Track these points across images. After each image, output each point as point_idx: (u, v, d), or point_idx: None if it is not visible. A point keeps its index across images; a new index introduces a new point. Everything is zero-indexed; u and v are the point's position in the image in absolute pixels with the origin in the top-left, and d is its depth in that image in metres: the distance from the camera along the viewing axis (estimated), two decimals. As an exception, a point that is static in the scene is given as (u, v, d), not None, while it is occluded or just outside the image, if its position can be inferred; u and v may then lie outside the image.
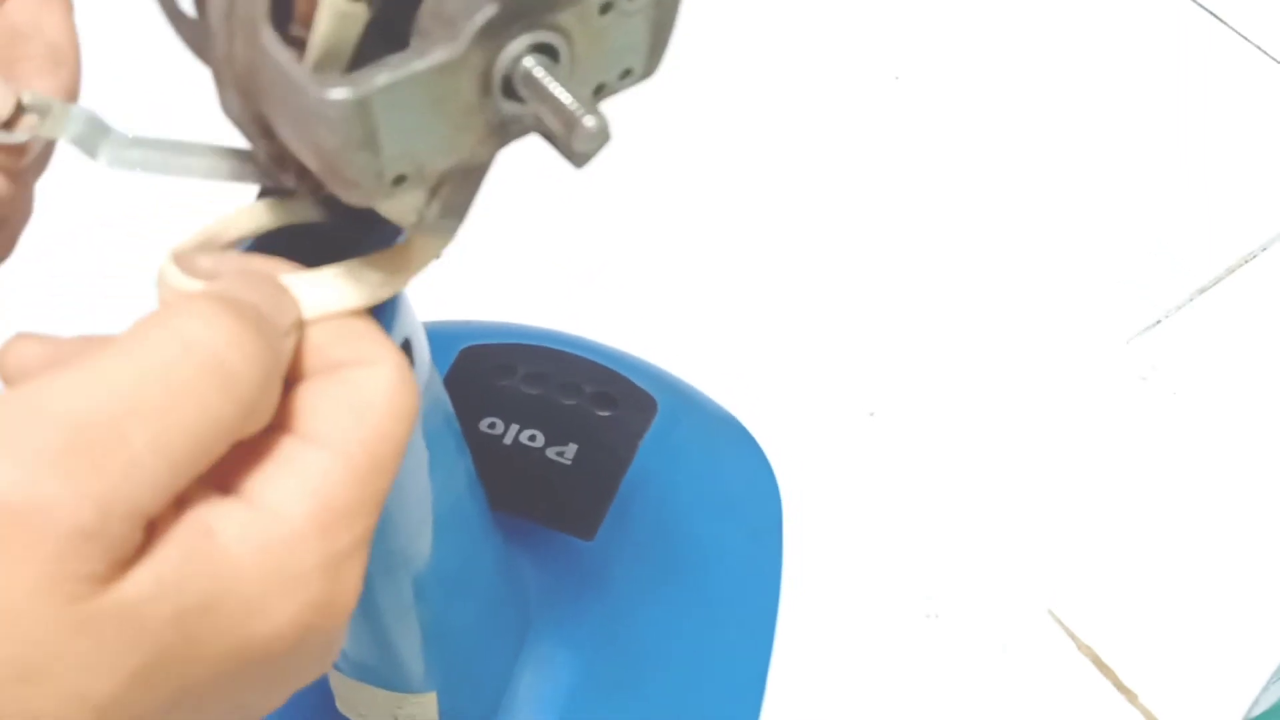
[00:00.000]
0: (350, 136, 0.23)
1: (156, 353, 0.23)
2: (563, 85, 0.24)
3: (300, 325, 0.26)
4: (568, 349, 0.60)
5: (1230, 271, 0.71)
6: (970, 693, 0.58)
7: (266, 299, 0.26)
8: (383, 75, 0.23)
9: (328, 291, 0.27)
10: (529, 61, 0.24)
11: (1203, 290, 0.70)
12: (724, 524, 0.60)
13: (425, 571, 0.39)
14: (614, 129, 0.27)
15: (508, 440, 0.56)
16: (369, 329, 0.27)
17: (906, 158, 0.76)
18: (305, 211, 0.29)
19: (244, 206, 0.29)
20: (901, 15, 0.82)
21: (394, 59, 0.23)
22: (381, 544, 0.36)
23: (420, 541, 0.38)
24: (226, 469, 0.24)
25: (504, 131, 0.26)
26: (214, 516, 0.23)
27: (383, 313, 0.31)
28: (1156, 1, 0.82)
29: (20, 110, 0.28)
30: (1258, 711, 0.56)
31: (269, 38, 0.24)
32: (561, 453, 0.56)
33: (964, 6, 0.82)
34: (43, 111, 0.28)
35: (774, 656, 0.58)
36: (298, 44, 0.24)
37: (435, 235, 0.28)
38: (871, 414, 0.66)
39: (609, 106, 0.26)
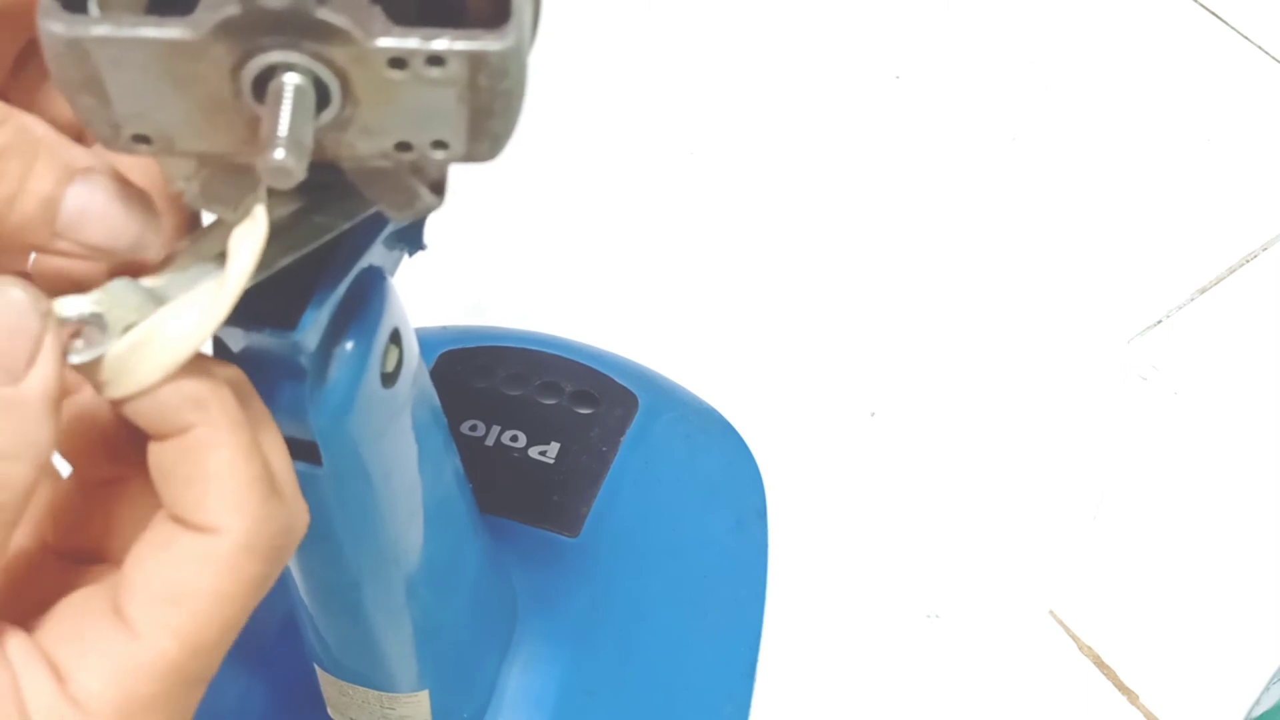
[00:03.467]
0: (70, 74, 0.23)
1: None
2: (294, 114, 0.23)
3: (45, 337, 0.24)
4: (547, 349, 0.60)
5: (1230, 271, 0.71)
6: (971, 693, 0.58)
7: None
8: (104, 27, 0.22)
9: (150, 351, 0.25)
10: (287, 78, 0.23)
11: (1203, 290, 0.70)
12: (708, 515, 0.60)
13: (416, 568, 0.39)
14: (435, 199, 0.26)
15: (490, 442, 0.56)
16: (222, 466, 0.25)
17: (907, 157, 0.75)
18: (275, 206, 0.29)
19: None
20: (901, 15, 0.82)
21: (130, 18, 0.23)
22: (371, 541, 0.36)
23: (410, 537, 0.38)
24: (52, 608, 0.25)
25: None
26: (28, 684, 0.23)
27: (371, 305, 0.31)
28: (1156, 1, 0.82)
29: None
30: (1259, 712, 0.56)
31: None
32: (544, 452, 0.56)
33: (964, 6, 0.82)
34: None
35: (774, 656, 0.58)
36: None
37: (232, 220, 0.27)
38: (872, 414, 0.65)
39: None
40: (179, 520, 0.25)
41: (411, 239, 0.34)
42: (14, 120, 0.24)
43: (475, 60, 0.23)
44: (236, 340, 0.29)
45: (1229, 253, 0.71)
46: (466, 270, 0.67)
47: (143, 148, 0.24)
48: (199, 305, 0.26)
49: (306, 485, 0.28)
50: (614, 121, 0.76)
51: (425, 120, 0.24)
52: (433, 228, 0.35)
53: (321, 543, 0.35)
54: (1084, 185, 0.74)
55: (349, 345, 0.31)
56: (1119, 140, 0.76)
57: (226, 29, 0.22)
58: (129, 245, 0.25)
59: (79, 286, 0.25)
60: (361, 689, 0.42)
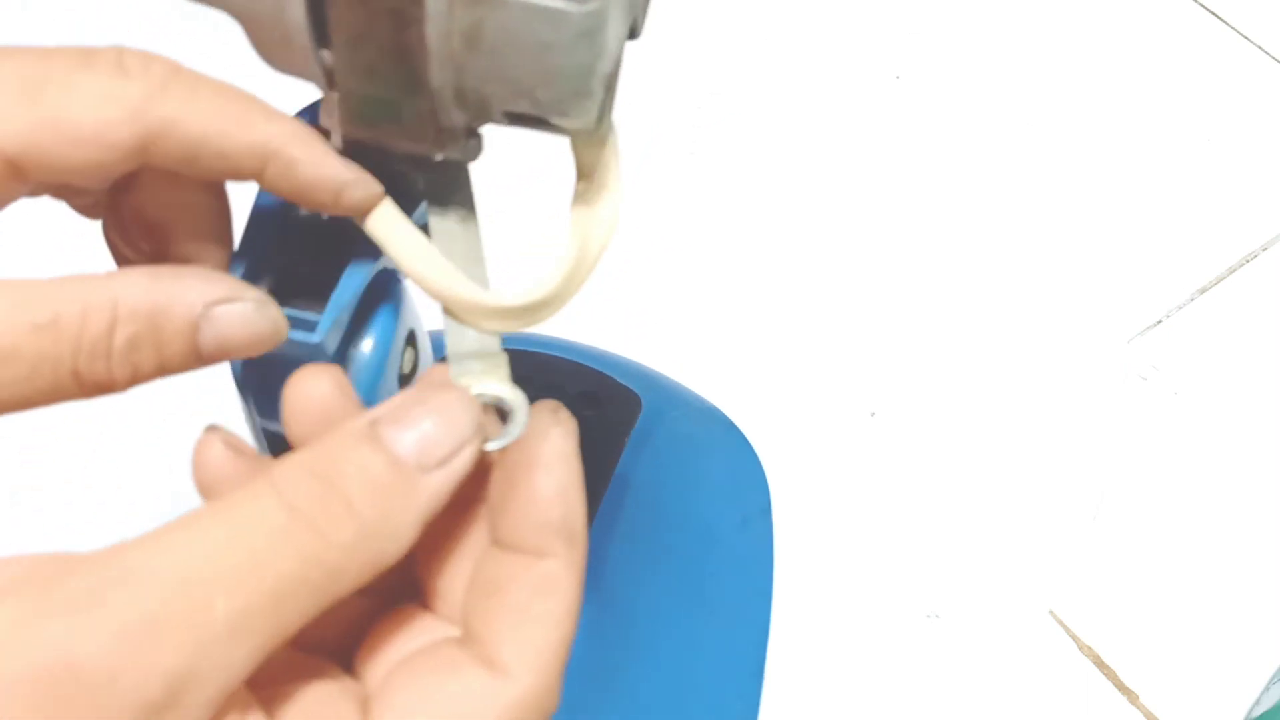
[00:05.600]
0: (596, 46, 0.24)
1: (257, 518, 0.22)
2: None
3: (475, 440, 0.24)
4: (550, 351, 0.60)
5: (1230, 271, 0.71)
6: (971, 693, 0.58)
7: (437, 423, 0.24)
8: None
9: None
10: None
11: (1203, 290, 0.70)
12: (713, 514, 0.60)
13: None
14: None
15: None
16: (550, 614, 0.24)
17: (907, 157, 0.75)
18: None
19: None
20: (902, 15, 0.82)
21: None
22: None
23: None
24: (291, 694, 0.23)
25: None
26: None
27: (387, 307, 0.31)
28: (1156, 1, 0.82)
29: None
30: (1259, 712, 0.56)
31: None
32: None
33: (964, 6, 0.82)
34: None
35: (775, 656, 0.58)
36: None
37: (598, 145, 0.28)
38: (872, 414, 0.65)
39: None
40: (470, 643, 0.24)
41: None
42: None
43: None
44: None
45: (1229, 253, 0.71)
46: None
47: (610, 91, 0.26)
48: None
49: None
50: (614, 120, 0.76)
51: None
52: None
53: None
54: (1085, 185, 0.74)
55: (366, 347, 0.30)
56: (1119, 140, 0.76)
57: None
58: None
59: None
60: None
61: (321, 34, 0.25)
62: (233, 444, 0.26)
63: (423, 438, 0.23)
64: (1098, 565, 0.61)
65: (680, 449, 0.60)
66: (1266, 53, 0.80)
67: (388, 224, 0.28)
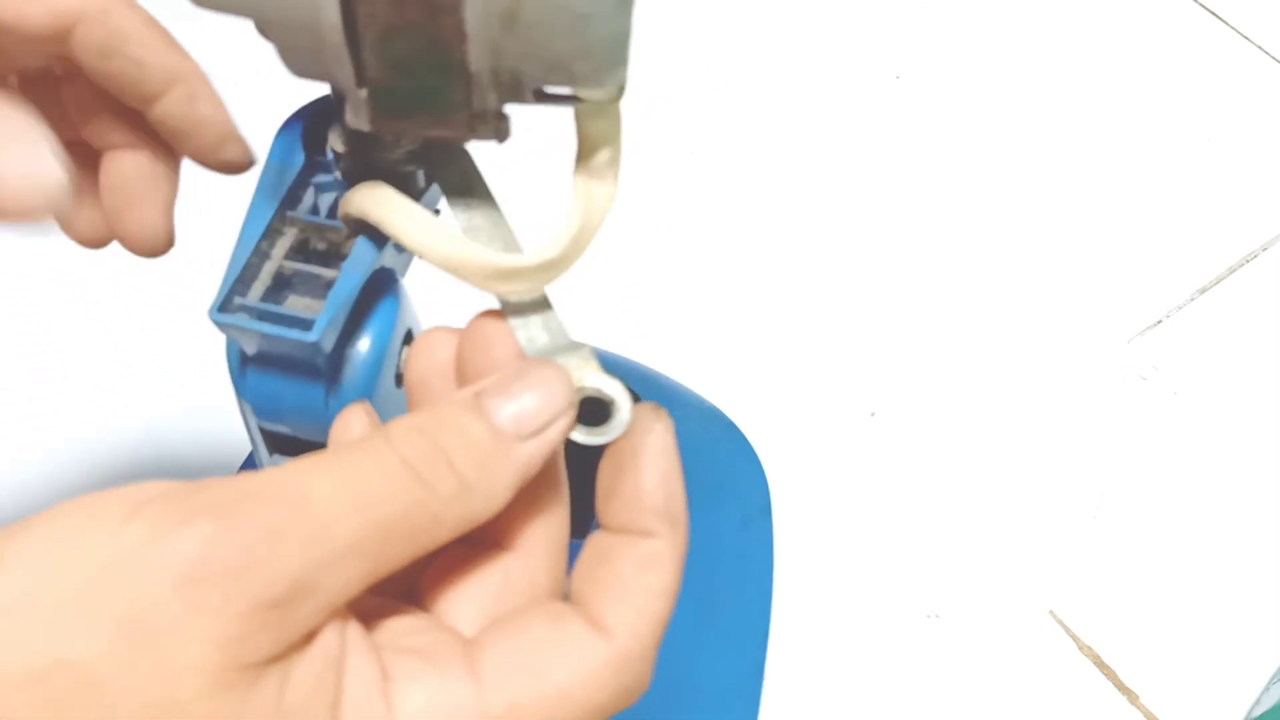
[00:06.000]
0: (630, 9, 0.25)
1: (374, 464, 0.24)
2: None
3: (568, 413, 0.26)
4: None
5: (1230, 271, 0.71)
6: (971, 693, 0.58)
7: (537, 395, 0.26)
8: None
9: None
10: None
11: (1203, 290, 0.70)
12: (714, 514, 0.60)
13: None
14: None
15: None
16: (654, 585, 0.26)
17: (907, 157, 0.75)
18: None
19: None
20: (902, 15, 0.82)
21: None
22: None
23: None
24: (387, 622, 0.25)
25: None
26: (350, 673, 0.23)
27: (385, 306, 0.31)
28: (1156, 1, 0.82)
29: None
30: (1259, 712, 0.56)
31: None
32: None
33: (964, 6, 0.82)
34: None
35: (774, 656, 0.58)
36: None
37: (607, 107, 0.29)
38: (872, 414, 0.65)
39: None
40: (576, 605, 0.26)
41: None
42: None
43: None
44: (253, 342, 0.29)
45: (1229, 253, 0.71)
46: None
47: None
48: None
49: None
50: (626, 125, 0.75)
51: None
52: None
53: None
54: (1085, 185, 0.74)
55: (364, 346, 0.31)
56: (1119, 140, 0.76)
57: None
58: None
59: None
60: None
61: (353, 32, 0.25)
62: (372, 416, 0.28)
63: (521, 409, 0.25)
64: (1098, 565, 0.61)
65: (680, 449, 0.60)
66: (1266, 53, 0.80)
67: (385, 203, 0.28)
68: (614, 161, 0.29)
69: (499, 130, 0.28)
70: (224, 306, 0.28)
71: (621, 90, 0.27)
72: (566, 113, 0.28)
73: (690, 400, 0.64)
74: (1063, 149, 0.76)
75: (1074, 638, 0.59)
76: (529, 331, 0.28)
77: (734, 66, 0.79)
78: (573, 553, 0.55)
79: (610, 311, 0.68)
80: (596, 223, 0.29)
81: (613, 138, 0.29)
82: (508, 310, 0.28)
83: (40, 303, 0.67)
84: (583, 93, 0.27)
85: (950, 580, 0.60)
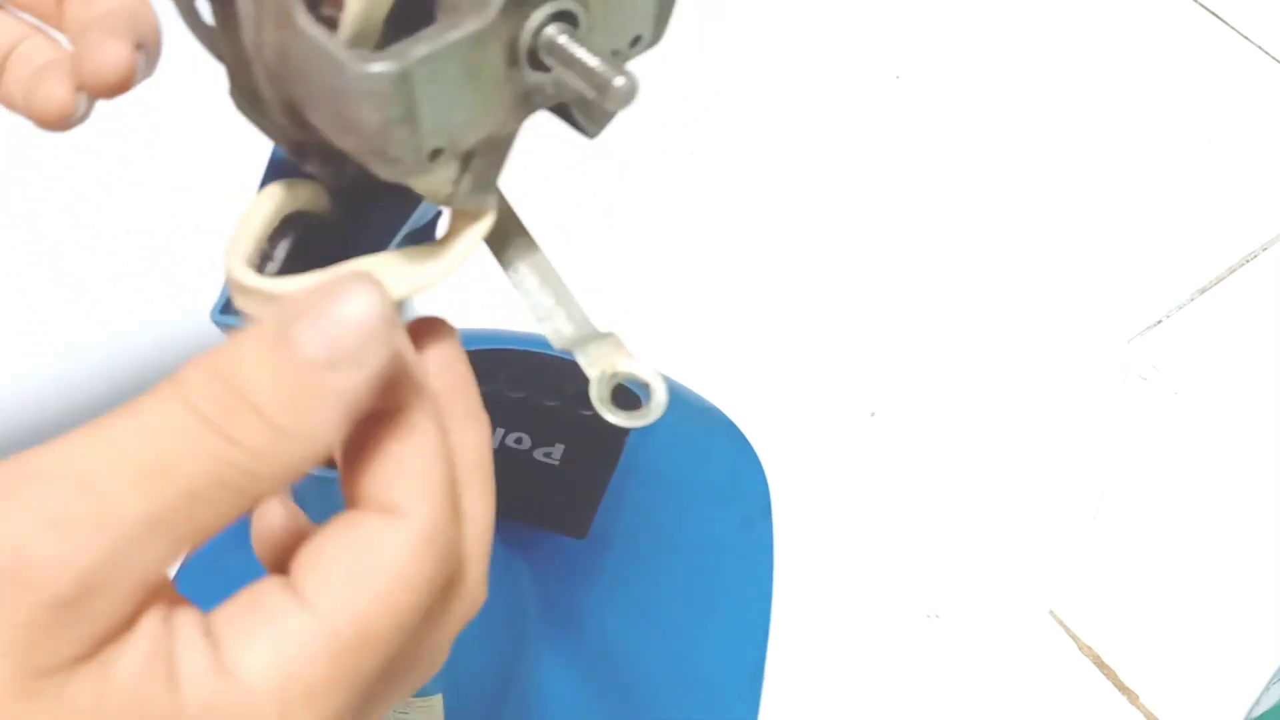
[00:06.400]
0: (392, 112, 0.23)
1: (163, 422, 0.21)
2: (587, 49, 0.24)
3: (391, 331, 0.23)
4: (550, 351, 0.60)
5: (1230, 271, 0.71)
6: (971, 693, 0.58)
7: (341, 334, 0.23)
8: (421, 47, 0.23)
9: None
10: (552, 29, 0.24)
11: (1203, 290, 0.70)
12: (714, 513, 0.60)
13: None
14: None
15: (494, 444, 0.56)
16: (420, 453, 0.24)
17: (907, 157, 0.75)
18: (314, 199, 0.29)
19: (263, 191, 0.28)
20: (902, 15, 0.82)
21: (427, 32, 0.23)
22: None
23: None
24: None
25: (528, 102, 0.26)
26: (181, 650, 0.22)
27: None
28: (1156, 1, 0.82)
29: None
30: (1259, 712, 0.56)
31: (304, 18, 0.24)
32: (549, 454, 0.56)
33: (964, 6, 0.82)
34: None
35: (775, 656, 0.58)
36: (328, 24, 0.24)
37: (470, 210, 0.28)
38: (872, 414, 0.65)
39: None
40: (364, 501, 0.24)
41: (423, 241, 0.34)
42: None
43: None
44: None
45: (1229, 253, 0.71)
46: (468, 273, 0.67)
47: (436, 162, 0.25)
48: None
49: (323, 490, 0.28)
50: (615, 122, 0.76)
51: (630, 20, 0.27)
52: (441, 230, 0.34)
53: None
54: (1085, 185, 0.74)
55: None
56: (1119, 140, 0.76)
57: (511, 2, 0.24)
58: None
59: None
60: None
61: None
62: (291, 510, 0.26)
63: (331, 332, 0.22)
64: (1098, 565, 0.61)
65: (681, 450, 0.60)
66: (1266, 53, 0.80)
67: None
68: (451, 258, 0.28)
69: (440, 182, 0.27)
70: (226, 308, 0.28)
71: (446, 199, 0.25)
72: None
73: (690, 400, 0.64)
74: (1063, 149, 0.76)
75: (1074, 638, 0.59)
76: (555, 324, 0.28)
77: (734, 66, 0.79)
78: (571, 553, 0.55)
79: (610, 311, 0.68)
80: (421, 289, 0.28)
81: (460, 238, 0.28)
82: (530, 304, 0.28)
83: (41, 303, 0.67)
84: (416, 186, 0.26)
85: (950, 580, 0.61)
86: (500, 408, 0.58)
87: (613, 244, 0.71)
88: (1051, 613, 0.60)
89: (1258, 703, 0.57)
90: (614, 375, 0.26)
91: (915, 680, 0.58)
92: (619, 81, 0.24)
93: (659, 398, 0.26)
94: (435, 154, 0.25)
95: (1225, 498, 0.63)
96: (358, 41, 0.24)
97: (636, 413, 0.26)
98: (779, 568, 0.60)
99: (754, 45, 0.81)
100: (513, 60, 0.24)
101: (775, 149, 0.76)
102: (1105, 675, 0.58)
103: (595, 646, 0.53)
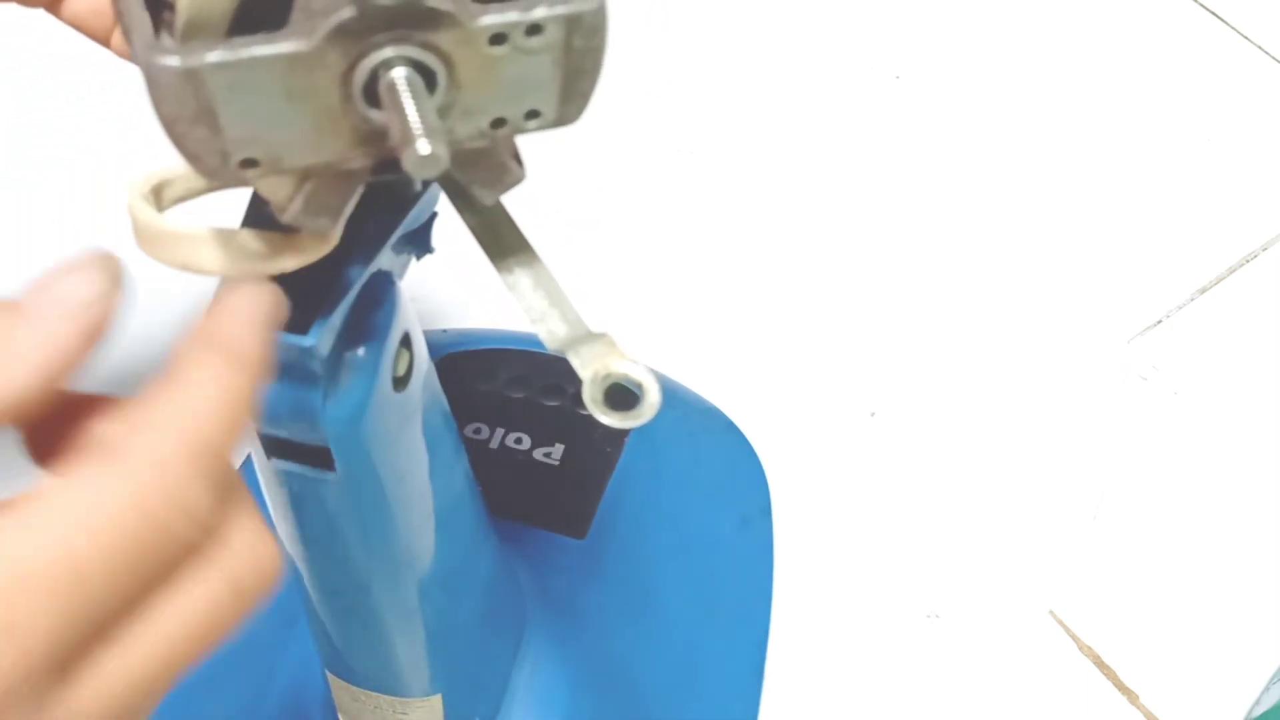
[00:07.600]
0: (182, 108, 0.23)
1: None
2: (418, 105, 0.23)
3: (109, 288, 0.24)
4: (549, 351, 0.60)
5: (1230, 271, 0.71)
6: (971, 693, 0.58)
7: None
8: (216, 53, 0.22)
9: (204, 249, 0.26)
10: (396, 73, 0.23)
11: (1203, 290, 0.70)
12: (714, 514, 0.60)
13: (429, 571, 0.39)
14: (527, 170, 0.27)
15: (494, 445, 0.56)
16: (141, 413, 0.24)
17: (907, 157, 0.75)
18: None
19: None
20: (902, 15, 0.82)
21: (240, 40, 0.23)
22: (385, 546, 0.36)
23: (423, 541, 0.38)
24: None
25: (378, 141, 0.25)
26: None
27: (381, 309, 0.31)
28: (1156, 1, 0.82)
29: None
30: (1259, 712, 0.56)
31: (133, 3, 0.24)
32: (549, 454, 0.56)
33: (964, 6, 0.82)
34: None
35: (774, 656, 0.58)
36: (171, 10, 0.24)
37: (310, 231, 0.27)
38: (872, 414, 0.65)
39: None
40: (81, 441, 0.24)
41: (420, 243, 0.34)
42: None
43: (571, 23, 0.24)
44: None
45: (1229, 253, 0.71)
46: (468, 273, 0.67)
47: (250, 172, 0.24)
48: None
49: (320, 492, 0.28)
50: (614, 121, 0.76)
51: (521, 92, 0.25)
52: (438, 232, 0.35)
53: (335, 548, 0.35)
54: (1084, 185, 0.74)
55: (361, 350, 0.31)
56: (1119, 140, 0.76)
57: (340, 33, 0.23)
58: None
59: None
60: (374, 694, 0.42)
61: None
62: None
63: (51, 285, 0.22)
64: (1098, 565, 0.61)
65: (680, 450, 0.60)
66: (1266, 53, 0.80)
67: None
68: (278, 265, 0.27)
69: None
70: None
71: (221, 173, 0.25)
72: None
73: (689, 400, 0.64)
74: (1062, 149, 0.76)
75: (1074, 638, 0.59)
76: (548, 325, 0.28)
77: (733, 66, 0.79)
78: (571, 553, 0.55)
79: (610, 311, 0.68)
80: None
81: (291, 260, 0.28)
82: (524, 306, 0.28)
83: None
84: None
85: (950, 580, 0.61)
86: (500, 408, 0.58)
87: (612, 243, 0.71)
88: (1051, 613, 0.60)
89: (1258, 703, 0.57)
90: (607, 376, 0.26)
91: (915, 680, 0.58)
92: (421, 148, 0.22)
93: (652, 398, 0.26)
94: (249, 164, 0.24)
95: (1225, 498, 0.63)
96: (192, 34, 0.24)
97: (630, 413, 0.26)
98: (779, 567, 0.60)
99: (754, 44, 0.81)
100: (348, 94, 0.24)
101: (775, 148, 0.76)
102: (1105, 675, 0.58)
103: (595, 646, 0.52)
